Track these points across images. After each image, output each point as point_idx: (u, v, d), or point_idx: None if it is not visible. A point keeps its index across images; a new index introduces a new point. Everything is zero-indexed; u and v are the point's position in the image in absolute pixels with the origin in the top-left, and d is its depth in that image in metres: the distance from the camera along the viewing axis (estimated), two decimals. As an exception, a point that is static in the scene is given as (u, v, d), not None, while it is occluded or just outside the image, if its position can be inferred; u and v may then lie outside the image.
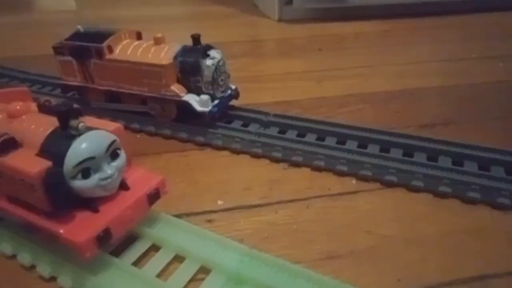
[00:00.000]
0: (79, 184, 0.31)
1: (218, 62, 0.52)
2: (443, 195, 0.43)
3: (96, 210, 0.32)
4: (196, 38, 0.53)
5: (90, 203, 0.32)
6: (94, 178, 0.31)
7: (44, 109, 0.36)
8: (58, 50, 0.58)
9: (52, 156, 0.30)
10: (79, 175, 0.30)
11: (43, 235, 0.33)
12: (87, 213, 0.32)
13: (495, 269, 0.35)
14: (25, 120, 0.34)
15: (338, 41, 0.94)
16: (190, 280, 0.34)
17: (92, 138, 0.31)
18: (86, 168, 0.31)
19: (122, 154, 0.34)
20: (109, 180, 0.32)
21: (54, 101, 0.36)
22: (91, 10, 1.30)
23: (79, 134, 0.31)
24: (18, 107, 0.34)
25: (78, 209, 0.32)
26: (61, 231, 0.31)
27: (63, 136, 0.31)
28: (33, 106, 0.36)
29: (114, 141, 0.32)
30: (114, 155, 0.33)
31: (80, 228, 0.31)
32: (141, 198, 0.35)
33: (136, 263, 0.35)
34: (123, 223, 0.33)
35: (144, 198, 0.35)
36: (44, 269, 0.35)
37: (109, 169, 0.32)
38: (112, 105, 0.59)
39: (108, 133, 0.33)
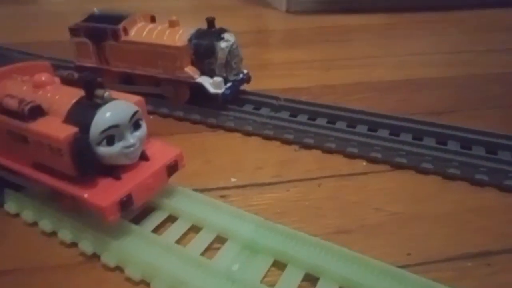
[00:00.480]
0: (103, 150, 0.32)
1: (232, 45, 0.53)
2: (451, 178, 0.44)
3: (118, 178, 0.33)
4: (210, 21, 0.54)
5: (113, 171, 0.33)
6: (118, 146, 0.32)
7: (67, 81, 0.37)
8: (74, 31, 0.59)
9: (78, 124, 0.31)
10: (104, 142, 0.32)
11: (66, 202, 0.34)
12: (110, 180, 0.33)
13: (500, 246, 0.36)
14: (50, 90, 0.35)
15: (344, 32, 0.95)
16: (207, 249, 0.35)
17: (117, 107, 0.32)
18: (110, 136, 0.32)
19: (144, 125, 0.35)
20: (131, 148, 0.33)
21: (77, 74, 0.37)
22: (97, 1, 1.30)
23: (104, 103, 0.32)
24: (43, 78, 0.35)
25: (102, 176, 0.33)
26: (86, 195, 0.32)
27: (89, 105, 0.32)
28: (56, 79, 0.37)
29: (136, 112, 0.34)
30: (136, 126, 0.34)
31: (104, 193, 0.32)
32: (161, 169, 0.36)
33: (154, 232, 0.37)
34: (144, 191, 0.34)
35: (164, 169, 0.36)
36: (65, 235, 0.36)
37: (132, 138, 0.33)
38: (126, 87, 0.59)
39: (131, 104, 0.34)
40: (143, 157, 0.36)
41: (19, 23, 1.07)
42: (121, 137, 0.33)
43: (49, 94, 0.35)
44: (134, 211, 0.36)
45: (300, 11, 1.10)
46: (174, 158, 0.37)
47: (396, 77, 0.70)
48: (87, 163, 0.31)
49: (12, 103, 0.33)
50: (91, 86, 0.32)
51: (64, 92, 0.35)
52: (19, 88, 0.36)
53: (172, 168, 0.37)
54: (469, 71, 0.72)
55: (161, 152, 0.37)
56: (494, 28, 0.96)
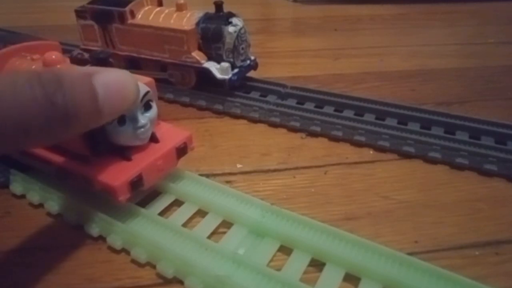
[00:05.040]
0: (115, 130, 0.32)
1: (240, 29, 0.53)
2: (460, 167, 0.44)
3: (129, 159, 0.33)
4: (219, 5, 0.53)
5: (123, 152, 0.33)
6: (129, 126, 0.32)
7: (77, 61, 0.36)
8: (80, 14, 0.58)
9: (87, 103, 0.31)
10: (115, 122, 0.31)
11: (74, 182, 0.34)
12: (121, 161, 0.33)
13: (509, 236, 0.36)
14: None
15: (353, 22, 0.94)
16: (213, 233, 0.35)
17: (127, 87, 0.32)
18: (121, 116, 0.31)
19: (154, 107, 0.35)
20: (142, 129, 0.33)
21: (87, 54, 0.37)
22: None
23: (114, 83, 0.32)
24: (53, 57, 0.35)
25: (112, 157, 0.33)
26: (97, 175, 0.32)
27: (99, 84, 0.32)
28: (66, 59, 0.37)
29: (148, 92, 0.33)
30: (147, 107, 0.34)
31: (115, 173, 0.32)
32: (171, 151, 0.36)
33: (161, 215, 0.36)
34: (154, 172, 0.34)
35: (173, 151, 0.36)
36: (71, 217, 0.36)
37: (143, 119, 0.33)
38: (132, 71, 0.59)
39: (142, 84, 0.33)
40: (153, 138, 0.35)
41: (24, 7, 1.07)
42: (132, 118, 0.32)
43: (58, 73, 0.34)
44: (143, 193, 0.36)
45: (308, 1, 1.09)
46: (184, 140, 0.37)
47: (407, 67, 0.70)
48: (99, 142, 0.31)
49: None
50: (104, 64, 0.32)
51: (73, 72, 0.34)
52: (29, 66, 0.36)
53: (181, 151, 0.37)
54: (482, 62, 0.71)
55: (171, 134, 0.37)
56: (508, 20, 0.95)
